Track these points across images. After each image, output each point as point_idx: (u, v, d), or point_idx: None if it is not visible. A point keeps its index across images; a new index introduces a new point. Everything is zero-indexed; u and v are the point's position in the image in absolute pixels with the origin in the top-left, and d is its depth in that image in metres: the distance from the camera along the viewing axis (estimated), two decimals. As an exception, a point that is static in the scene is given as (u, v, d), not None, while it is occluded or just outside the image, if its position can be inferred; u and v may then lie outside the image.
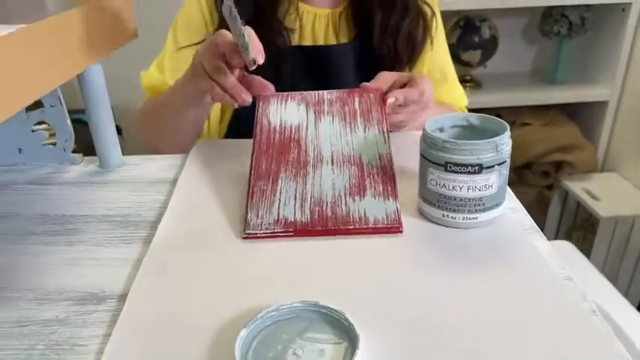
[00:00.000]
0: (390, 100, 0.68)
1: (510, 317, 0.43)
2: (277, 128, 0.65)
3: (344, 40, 0.89)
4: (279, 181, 0.59)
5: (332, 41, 0.89)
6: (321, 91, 0.69)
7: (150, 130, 0.88)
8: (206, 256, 0.52)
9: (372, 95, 0.68)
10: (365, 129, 0.64)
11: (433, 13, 0.91)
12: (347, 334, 0.41)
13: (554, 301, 0.44)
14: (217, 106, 0.88)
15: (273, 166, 0.61)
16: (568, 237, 1.82)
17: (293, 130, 0.65)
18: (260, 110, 0.67)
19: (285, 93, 0.69)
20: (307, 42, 0.88)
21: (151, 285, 0.48)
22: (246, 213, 0.56)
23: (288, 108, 0.67)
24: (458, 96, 0.96)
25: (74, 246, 0.56)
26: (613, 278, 1.64)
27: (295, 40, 0.87)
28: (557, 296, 0.45)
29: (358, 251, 0.52)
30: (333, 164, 0.61)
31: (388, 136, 0.63)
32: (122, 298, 0.48)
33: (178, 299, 0.47)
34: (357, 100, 0.68)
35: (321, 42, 0.89)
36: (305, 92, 0.69)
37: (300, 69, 0.86)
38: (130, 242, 0.56)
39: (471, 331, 0.42)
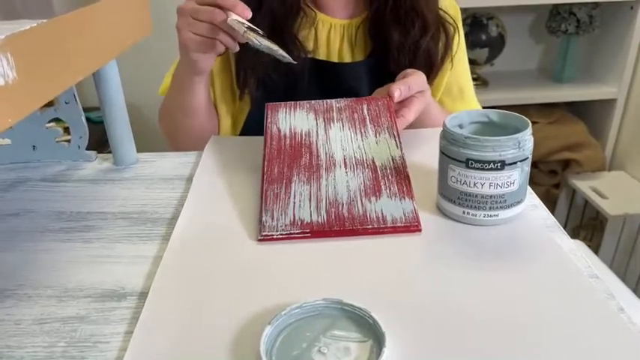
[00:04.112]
0: (396, 93, 0.68)
1: (536, 315, 0.42)
2: (287, 135, 0.65)
3: (359, 53, 0.87)
4: (292, 184, 0.59)
5: (346, 55, 0.87)
6: (328, 100, 0.70)
7: (166, 125, 0.90)
8: (224, 254, 0.52)
9: (380, 102, 0.69)
10: (376, 134, 0.64)
11: (456, 30, 0.87)
12: (372, 332, 0.41)
13: (580, 299, 0.44)
14: (230, 112, 0.88)
15: (286, 170, 0.60)
16: (575, 235, 1.82)
17: (303, 136, 0.64)
18: (269, 119, 0.67)
19: (292, 102, 0.69)
20: (321, 54, 0.87)
21: (171, 283, 0.48)
22: (261, 215, 0.55)
23: (297, 116, 0.67)
24: None
25: (91, 243, 0.55)
26: (621, 276, 1.64)
27: (310, 51, 0.85)
28: (584, 294, 0.44)
29: (377, 250, 0.52)
30: (346, 167, 0.60)
31: (400, 140, 0.63)
32: (142, 295, 0.47)
33: (199, 297, 0.46)
34: (365, 107, 0.68)
35: (335, 54, 0.87)
36: (313, 101, 0.69)
37: (313, 81, 0.84)
38: (148, 239, 0.56)
39: (497, 329, 0.41)
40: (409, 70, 0.73)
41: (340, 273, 0.49)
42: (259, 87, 0.83)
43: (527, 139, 0.52)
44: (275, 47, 0.64)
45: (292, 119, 0.67)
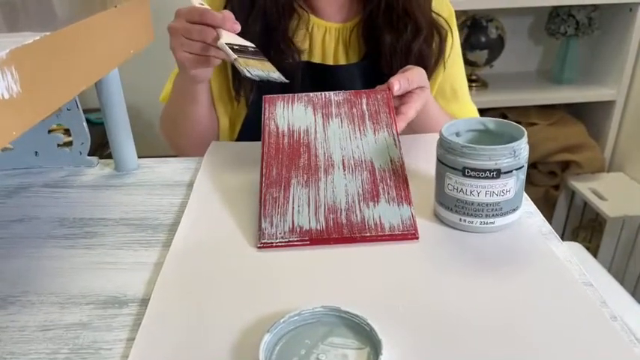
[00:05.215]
0: (396, 86, 0.68)
1: (530, 323, 0.43)
2: (285, 132, 0.65)
3: (354, 56, 0.88)
4: (291, 187, 0.59)
5: (341, 58, 0.88)
6: (327, 93, 0.69)
7: (168, 131, 0.92)
8: (224, 261, 0.53)
9: (379, 96, 0.68)
10: (374, 132, 0.64)
11: (449, 30, 0.87)
12: (369, 339, 0.42)
13: (574, 306, 0.45)
14: (228, 113, 0.90)
15: (284, 171, 0.60)
16: (574, 236, 1.83)
17: (302, 134, 0.64)
18: (267, 114, 0.67)
19: (290, 95, 0.69)
20: (317, 57, 0.87)
21: (171, 290, 0.49)
22: (260, 222, 0.56)
23: (295, 111, 0.67)
24: (467, 113, 0.93)
25: (94, 249, 0.56)
26: (619, 278, 1.65)
27: (305, 55, 0.86)
28: (577, 302, 0.45)
29: (375, 257, 0.52)
30: (344, 169, 0.60)
31: (398, 139, 0.63)
32: (144, 302, 0.48)
33: (199, 304, 0.47)
34: (364, 101, 0.68)
35: (330, 58, 0.88)
36: (311, 94, 0.69)
37: (308, 85, 0.85)
38: (149, 246, 0.57)
39: (493, 336, 0.42)
40: (409, 66, 0.73)
41: (338, 280, 0.49)
42: (255, 90, 0.84)
43: (522, 147, 0.52)
44: (265, 71, 0.64)
45: (290, 114, 0.67)
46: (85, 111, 0.74)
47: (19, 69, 0.38)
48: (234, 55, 0.61)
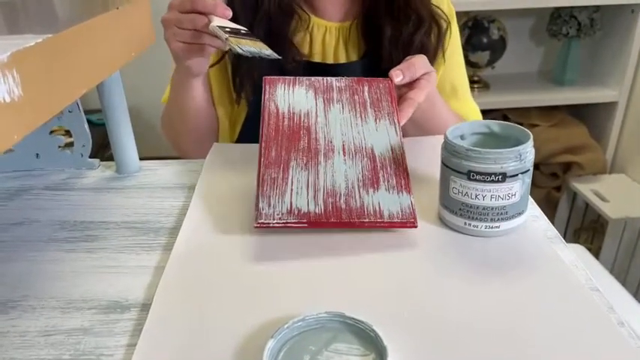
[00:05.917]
0: (398, 79, 0.67)
1: (537, 327, 0.43)
2: (286, 114, 0.63)
3: (354, 54, 0.88)
4: (290, 169, 0.58)
5: (341, 56, 0.88)
6: (329, 78, 0.68)
7: (168, 130, 0.92)
8: (226, 266, 0.52)
9: (381, 85, 0.68)
10: (376, 120, 0.63)
11: (448, 25, 0.87)
12: (374, 345, 0.41)
13: (581, 312, 0.44)
14: (228, 115, 0.89)
15: (283, 153, 0.59)
16: (576, 238, 1.82)
17: (302, 117, 0.63)
18: (267, 94, 0.65)
19: (291, 77, 0.68)
20: (317, 56, 0.87)
21: (173, 294, 0.48)
22: (258, 202, 0.55)
23: (296, 94, 0.66)
24: (469, 111, 0.92)
25: (95, 253, 0.56)
26: (621, 280, 1.64)
27: (305, 55, 0.86)
28: (584, 307, 0.45)
29: (379, 261, 0.52)
30: (344, 154, 0.59)
31: (400, 128, 0.63)
32: (145, 306, 0.48)
33: (201, 308, 0.46)
34: (366, 88, 0.67)
35: (330, 57, 0.88)
36: (312, 78, 0.68)
37: None
38: (150, 249, 0.56)
39: (498, 342, 0.42)
40: (410, 56, 0.72)
41: (342, 285, 0.49)
42: (255, 92, 0.84)
43: (528, 151, 0.52)
44: (257, 48, 0.64)
45: (291, 97, 0.65)
46: (86, 112, 0.74)
47: (20, 72, 0.38)
48: (225, 35, 0.61)
